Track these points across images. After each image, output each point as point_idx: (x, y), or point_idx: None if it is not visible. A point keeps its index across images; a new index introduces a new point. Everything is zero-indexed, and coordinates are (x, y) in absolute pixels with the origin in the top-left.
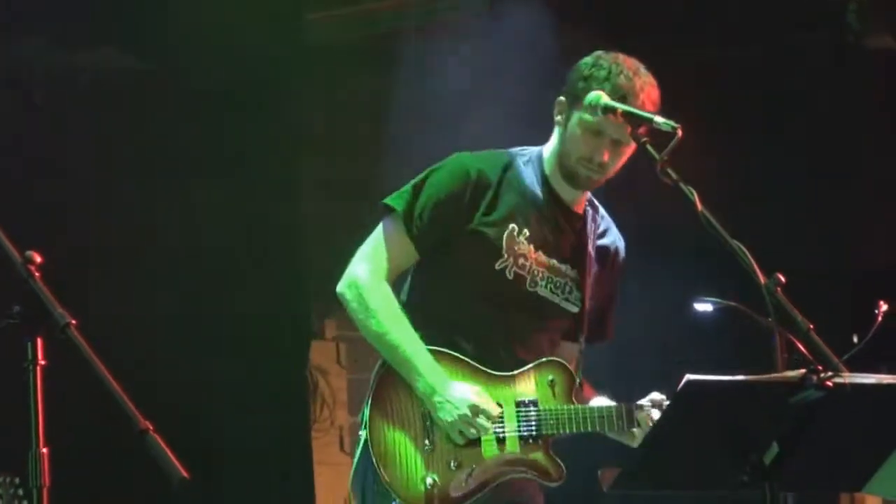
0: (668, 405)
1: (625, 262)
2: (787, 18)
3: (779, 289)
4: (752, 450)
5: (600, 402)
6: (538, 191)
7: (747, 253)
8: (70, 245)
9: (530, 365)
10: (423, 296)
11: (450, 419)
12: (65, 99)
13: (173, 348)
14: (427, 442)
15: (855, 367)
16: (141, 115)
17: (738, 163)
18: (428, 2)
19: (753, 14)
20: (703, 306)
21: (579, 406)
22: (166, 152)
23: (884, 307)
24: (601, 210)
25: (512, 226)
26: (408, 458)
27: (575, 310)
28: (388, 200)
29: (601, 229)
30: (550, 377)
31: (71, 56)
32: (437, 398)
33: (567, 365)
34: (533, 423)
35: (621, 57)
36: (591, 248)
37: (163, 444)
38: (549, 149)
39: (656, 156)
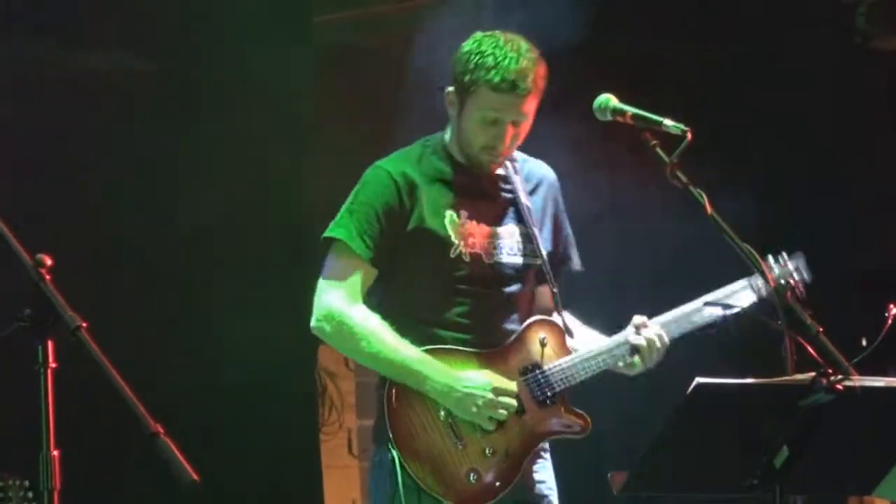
0: (678, 408)
1: (560, 188)
2: (795, 19)
3: (788, 293)
4: (761, 453)
5: (592, 339)
6: (455, 173)
7: (757, 256)
8: (79, 247)
9: (518, 332)
10: (393, 303)
11: (475, 409)
12: (73, 100)
13: (183, 351)
14: (456, 440)
15: (864, 371)
16: (149, 117)
17: (745, 163)
18: (436, 4)
19: (761, 13)
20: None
21: (578, 353)
22: (174, 154)
23: (894, 310)
24: (516, 154)
25: (448, 212)
26: (444, 462)
27: (538, 261)
28: (328, 233)
29: (524, 172)
30: (541, 335)
31: (80, 57)
32: (455, 395)
33: (551, 319)
34: (543, 385)
35: (503, 37)
36: (524, 198)
37: (173, 447)
38: (448, 135)
39: (666, 159)
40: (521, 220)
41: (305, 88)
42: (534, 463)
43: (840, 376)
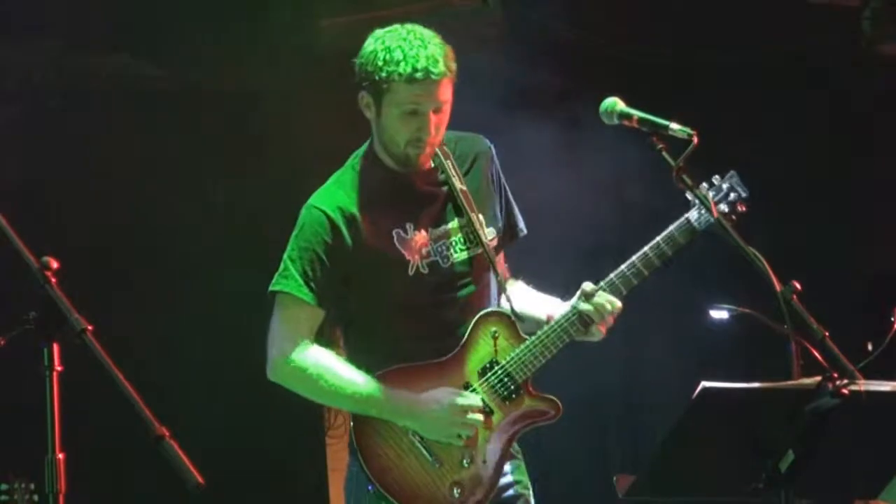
0: (684, 412)
1: (492, 154)
2: (801, 24)
3: (794, 296)
4: (767, 457)
5: (542, 303)
6: (387, 183)
7: (763, 260)
8: (85, 250)
9: (467, 332)
10: (356, 330)
11: (442, 429)
12: (79, 103)
13: (188, 355)
14: (432, 460)
15: (870, 375)
16: (155, 120)
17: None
18: (439, 7)
19: (768, 19)
20: (719, 313)
21: (532, 338)
22: (178, 157)
23: None
24: (446, 136)
25: (394, 231)
26: (425, 484)
27: (480, 249)
28: (273, 287)
29: (457, 154)
30: (491, 329)
31: (85, 61)
32: (421, 420)
33: (498, 310)
34: (505, 380)
35: (403, 29)
36: (459, 184)
37: (178, 450)
38: (373, 142)
39: (672, 162)
40: (461, 212)
41: (308, 92)
42: (505, 464)
43: (845, 380)
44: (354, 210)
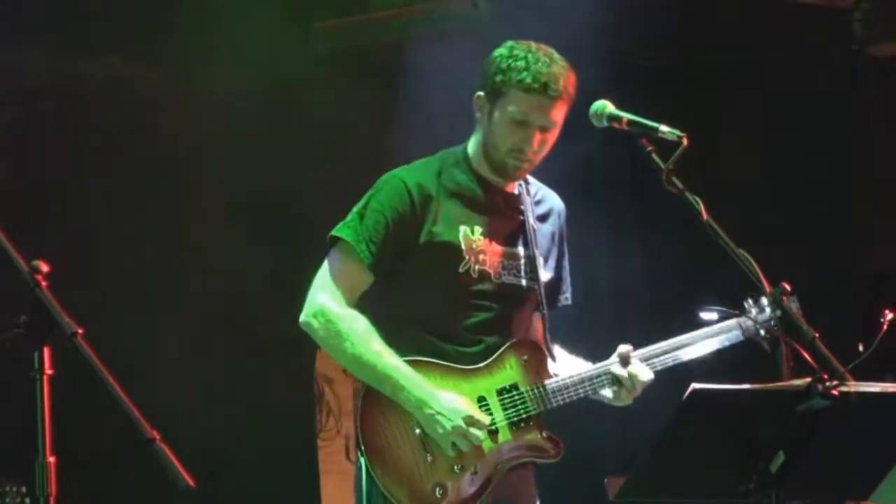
0: (674, 414)
1: (567, 221)
2: (794, 25)
3: (784, 298)
4: (758, 458)
5: (571, 364)
6: (474, 186)
7: (753, 262)
8: (76, 254)
9: (499, 351)
10: (390, 308)
11: (442, 431)
12: (70, 107)
13: (179, 358)
14: (426, 454)
15: (860, 376)
16: (148, 123)
17: (743, 168)
18: (434, 10)
19: (761, 20)
20: (709, 314)
21: (558, 378)
22: (172, 158)
23: (889, 316)
24: (530, 178)
25: (463, 227)
26: (412, 473)
27: (535, 285)
28: (335, 232)
29: (536, 198)
30: (524, 357)
31: (77, 64)
32: (427, 411)
33: (536, 341)
34: (519, 406)
35: (534, 45)
36: (532, 222)
37: (169, 453)
38: (472, 146)
39: (661, 165)
40: (527, 243)
41: (305, 93)
42: (514, 472)
43: (836, 382)
44: (433, 192)
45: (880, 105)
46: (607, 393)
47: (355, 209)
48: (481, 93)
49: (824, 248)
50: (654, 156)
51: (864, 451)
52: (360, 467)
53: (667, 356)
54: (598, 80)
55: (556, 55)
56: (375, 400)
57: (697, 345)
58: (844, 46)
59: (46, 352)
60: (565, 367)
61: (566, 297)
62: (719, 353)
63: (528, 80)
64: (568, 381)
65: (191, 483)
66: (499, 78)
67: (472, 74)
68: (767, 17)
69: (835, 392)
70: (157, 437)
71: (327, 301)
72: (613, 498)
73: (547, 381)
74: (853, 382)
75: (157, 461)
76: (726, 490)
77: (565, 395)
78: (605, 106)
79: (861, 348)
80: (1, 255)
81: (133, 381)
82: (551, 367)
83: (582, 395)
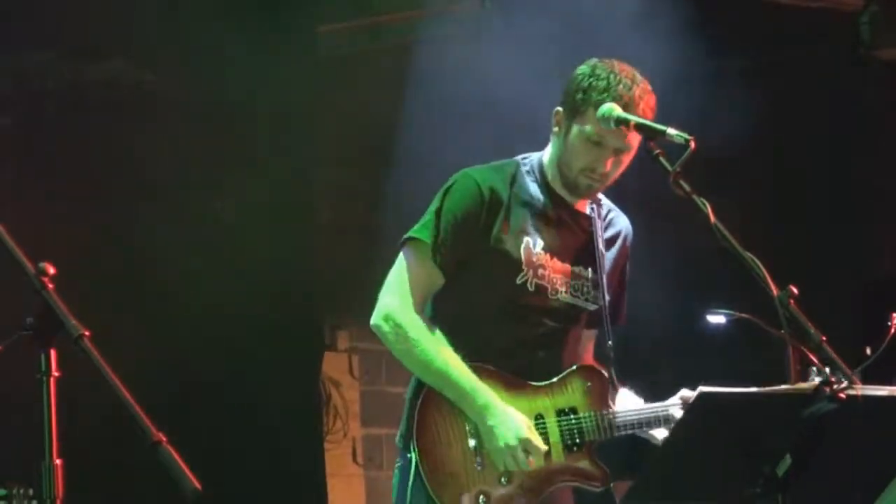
0: (681, 417)
1: (632, 245)
2: (799, 29)
3: (792, 301)
4: (764, 462)
5: (630, 400)
6: (544, 198)
7: (760, 265)
8: (82, 256)
9: (565, 372)
10: (448, 313)
11: (500, 445)
12: (76, 111)
13: (186, 360)
14: (477, 459)
15: (868, 379)
16: (152, 127)
17: (749, 175)
18: (439, 12)
19: (766, 24)
20: (717, 318)
21: (618, 410)
22: (178, 164)
23: None
24: (602, 199)
25: (527, 239)
26: (459, 477)
27: (595, 307)
28: (413, 233)
29: (607, 220)
30: (587, 383)
31: (83, 68)
32: (490, 422)
33: (599, 369)
34: (575, 431)
35: (617, 65)
36: (601, 245)
37: (176, 456)
38: (547, 156)
39: (669, 168)
40: (592, 264)
41: (308, 98)
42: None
43: (843, 385)
44: (503, 198)
45: (887, 108)
46: (658, 433)
47: (430, 210)
48: (560, 108)
49: (825, 252)
50: (661, 159)
51: (872, 455)
52: (410, 462)
53: None
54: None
55: (638, 77)
56: (435, 401)
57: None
58: (851, 49)
59: (53, 354)
60: (622, 399)
61: (623, 316)
62: (728, 355)
63: (608, 100)
64: (627, 415)
65: (197, 486)
66: (579, 96)
67: (479, 76)
68: (771, 22)
69: (842, 395)
70: (164, 439)
71: (398, 305)
72: (621, 501)
73: (606, 411)
74: (860, 386)
75: (164, 464)
76: (733, 493)
77: (622, 428)
78: (612, 109)
79: (868, 352)
80: (6, 257)
81: (138, 384)
82: (612, 397)
83: (636, 430)
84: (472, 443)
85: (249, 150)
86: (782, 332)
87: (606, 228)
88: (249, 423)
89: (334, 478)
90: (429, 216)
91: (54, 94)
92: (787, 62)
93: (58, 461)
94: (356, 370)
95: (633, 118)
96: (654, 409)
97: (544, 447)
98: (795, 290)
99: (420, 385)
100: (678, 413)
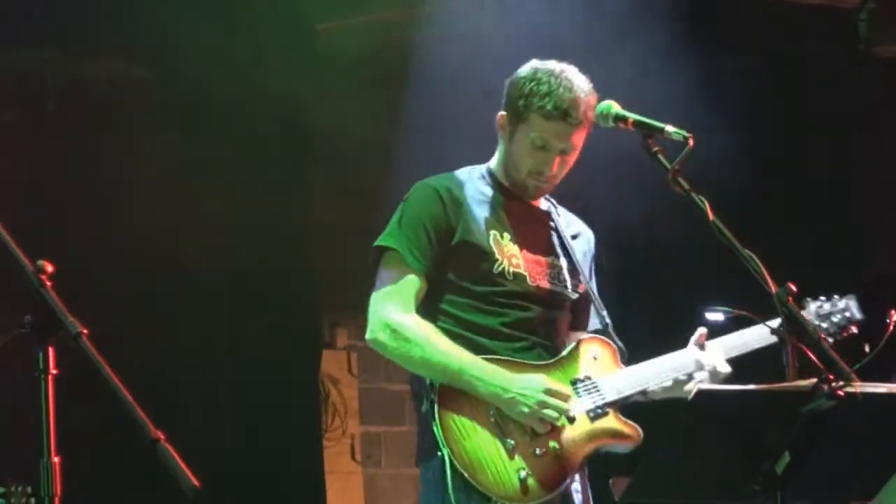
0: (680, 415)
1: (599, 253)
2: (798, 27)
3: (790, 298)
4: (763, 459)
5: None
6: (501, 197)
7: (759, 262)
8: (80, 254)
9: (569, 347)
10: (435, 314)
11: (527, 410)
12: (75, 108)
13: (184, 358)
14: (506, 440)
15: (866, 377)
16: (151, 124)
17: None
18: (437, 10)
19: (764, 22)
20: (715, 315)
21: (633, 367)
22: (176, 162)
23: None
24: (555, 202)
25: (493, 232)
26: (494, 461)
27: (576, 295)
28: (380, 242)
29: (566, 220)
30: (592, 354)
31: (81, 66)
32: (508, 395)
33: (604, 338)
34: (594, 394)
35: (558, 67)
36: (567, 238)
37: (174, 454)
38: (495, 161)
39: (667, 165)
40: (565, 253)
41: (306, 94)
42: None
43: (841, 382)
44: (461, 198)
45: (885, 105)
46: (693, 380)
47: (393, 220)
48: (503, 112)
49: (825, 250)
50: (659, 156)
51: (869, 452)
52: (442, 461)
53: (737, 346)
54: (601, 74)
55: (578, 78)
56: (450, 396)
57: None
58: (849, 46)
59: (51, 352)
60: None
61: (587, 324)
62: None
63: (550, 107)
64: (644, 368)
65: (196, 483)
66: (521, 102)
67: (477, 75)
68: (770, 19)
69: (840, 393)
70: (162, 437)
71: (390, 312)
72: (619, 498)
73: (620, 371)
74: (859, 383)
75: (162, 461)
76: (731, 491)
77: (643, 383)
78: (610, 106)
79: (867, 349)
80: (5, 255)
81: (136, 381)
82: (621, 361)
83: (660, 382)
84: (497, 425)
85: (247, 148)
86: (781, 329)
87: (568, 226)
88: (248, 421)
89: (332, 475)
90: (391, 226)
91: (55, 91)
92: (785, 59)
93: (56, 459)
94: (355, 368)
95: (632, 116)
96: (671, 358)
97: (567, 388)
98: (794, 288)
99: (426, 394)
100: (703, 356)
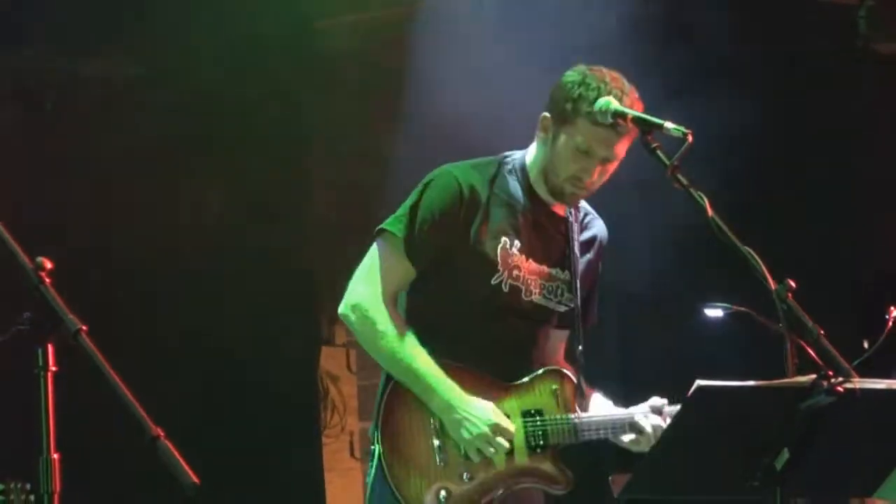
0: (679, 410)
1: (606, 245)
2: (798, 23)
3: (789, 294)
4: (763, 455)
5: (600, 405)
6: (524, 199)
7: (758, 258)
8: (78, 251)
9: (533, 374)
10: (421, 309)
11: (468, 437)
12: (73, 106)
13: (184, 354)
14: (440, 455)
15: (865, 373)
16: (149, 122)
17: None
18: (435, 8)
19: (764, 18)
20: (714, 311)
21: (583, 415)
22: (175, 159)
23: (894, 313)
24: (583, 204)
25: (504, 239)
26: (421, 472)
27: (564, 309)
28: (385, 226)
29: (584, 223)
30: (553, 386)
31: (80, 63)
32: (455, 415)
33: (568, 373)
34: (539, 433)
35: (607, 73)
36: (576, 248)
37: (174, 451)
38: (531, 158)
39: (666, 161)
40: (568, 267)
41: (305, 93)
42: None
43: (840, 378)
44: (482, 197)
45: (885, 103)
46: (627, 438)
47: (406, 203)
48: (548, 114)
49: (824, 248)
50: (658, 152)
51: (869, 448)
52: (374, 456)
53: None
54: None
55: (626, 85)
56: (402, 395)
57: None
58: (849, 44)
59: (50, 349)
60: (592, 404)
61: (593, 316)
62: (725, 349)
63: (597, 113)
64: (593, 420)
65: (195, 480)
66: (568, 105)
67: (476, 73)
68: (769, 15)
69: (840, 389)
70: (162, 433)
71: (367, 295)
72: (618, 495)
73: (572, 416)
74: (858, 379)
75: (162, 458)
76: (730, 487)
77: (587, 434)
78: (609, 103)
79: (866, 345)
80: (4, 252)
81: (136, 378)
82: (579, 402)
83: (602, 436)
84: (435, 439)
85: (246, 145)
86: (780, 325)
87: (583, 231)
88: (247, 418)
89: (332, 472)
90: (403, 210)
91: (50, 89)
92: (784, 57)
93: (55, 455)
94: (353, 365)
95: (631, 112)
96: (619, 416)
97: (513, 427)
98: (793, 284)
99: (389, 378)
100: (643, 420)
